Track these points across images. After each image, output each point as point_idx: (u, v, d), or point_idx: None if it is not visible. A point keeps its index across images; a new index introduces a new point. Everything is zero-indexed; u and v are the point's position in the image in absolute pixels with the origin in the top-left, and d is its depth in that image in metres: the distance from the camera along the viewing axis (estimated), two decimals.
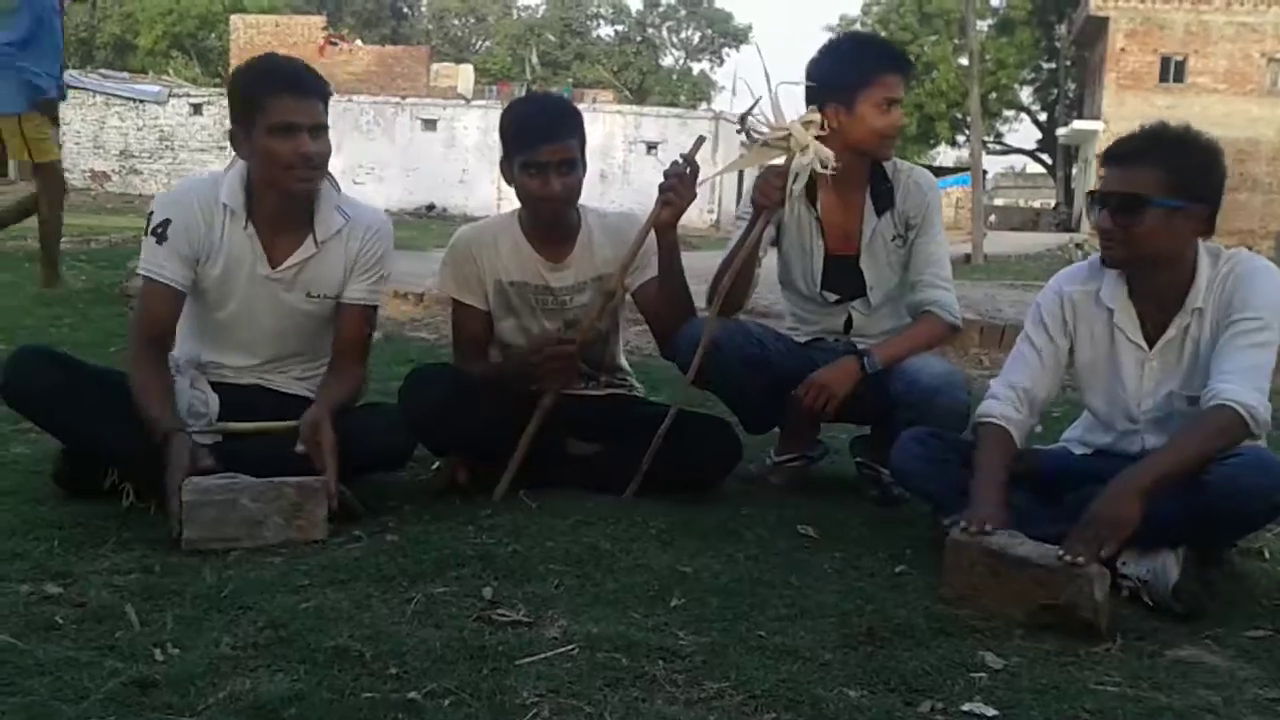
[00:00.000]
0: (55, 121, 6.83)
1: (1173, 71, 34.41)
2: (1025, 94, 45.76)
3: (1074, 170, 39.96)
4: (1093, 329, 2.61)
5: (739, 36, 61.88)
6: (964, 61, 34.34)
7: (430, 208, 29.46)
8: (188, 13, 42.79)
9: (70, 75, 31.52)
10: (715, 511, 2.81)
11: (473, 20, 63.06)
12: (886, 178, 3.07)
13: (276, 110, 2.60)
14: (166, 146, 30.53)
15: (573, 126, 2.85)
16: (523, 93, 36.58)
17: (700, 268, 2.92)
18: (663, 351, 3.15)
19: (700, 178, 2.82)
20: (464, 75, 39.48)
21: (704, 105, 51.75)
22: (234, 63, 34.11)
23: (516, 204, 2.98)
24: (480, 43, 62.44)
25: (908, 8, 43.43)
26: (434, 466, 3.04)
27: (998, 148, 46.67)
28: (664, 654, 1.94)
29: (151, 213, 2.75)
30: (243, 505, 2.42)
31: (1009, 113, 46.28)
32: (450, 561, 2.36)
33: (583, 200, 2.98)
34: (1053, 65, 43.15)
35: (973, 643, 2.07)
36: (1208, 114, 32.92)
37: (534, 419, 2.84)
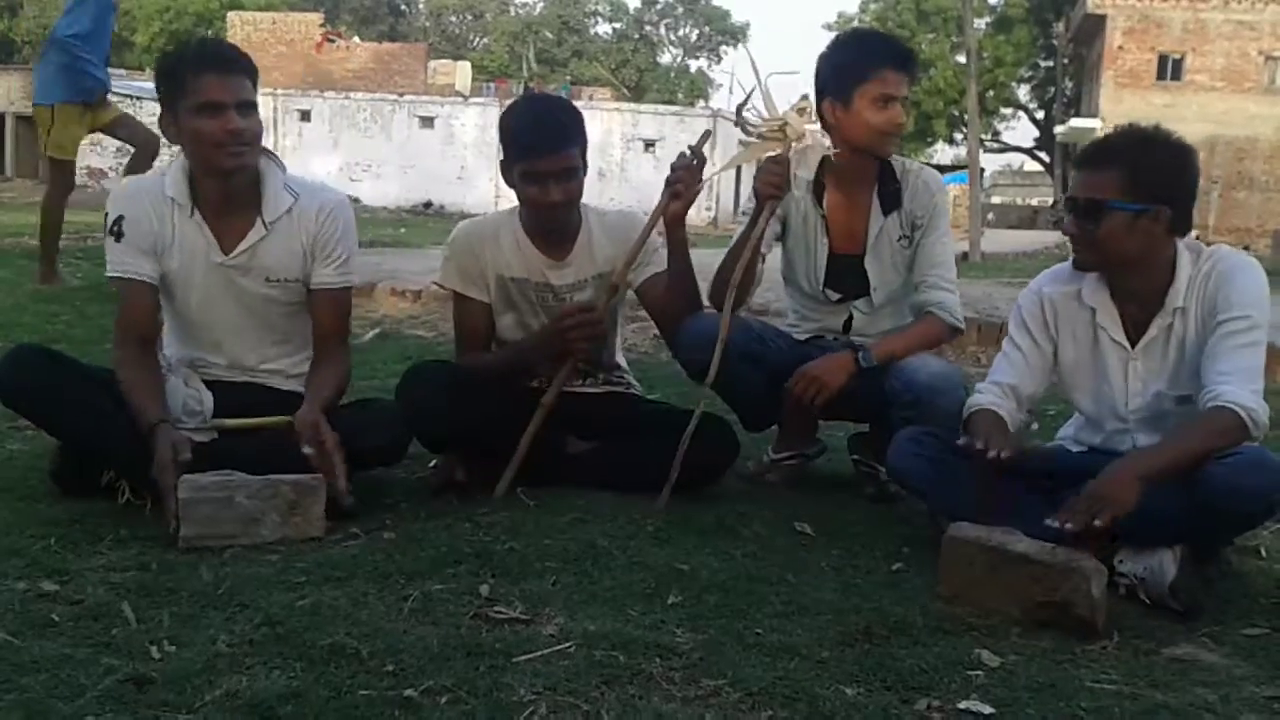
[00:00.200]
0: (107, 105, 6.82)
1: (1170, 69, 34.40)
2: (1023, 92, 45.77)
3: (1071, 168, 39.87)
4: (1075, 330, 2.62)
5: (737, 34, 61.90)
6: (961, 59, 34.34)
7: (428, 205, 29.45)
8: (185, 10, 42.72)
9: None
10: (713, 509, 2.81)
11: (470, 17, 63.04)
12: (895, 177, 3.05)
13: (201, 90, 2.58)
14: (163, 143, 30.48)
15: (574, 135, 2.84)
16: (520, 90, 36.65)
17: (699, 265, 2.92)
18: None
19: (705, 172, 2.82)
20: (461, 72, 39.46)
21: (702, 103, 51.73)
22: None
23: (514, 201, 2.98)
24: (478, 40, 62.42)
25: (905, 5, 43.43)
26: (431, 464, 3.04)
27: (995, 146, 46.65)
28: (661, 651, 1.94)
29: (107, 213, 2.76)
30: (239, 503, 2.42)
31: (1006, 111, 46.27)
32: (447, 559, 2.36)
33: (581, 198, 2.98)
34: (1050, 63, 43.11)
35: (970, 640, 2.08)
36: (1205, 112, 33.02)
37: (536, 416, 2.84)
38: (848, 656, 1.97)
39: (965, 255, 14.62)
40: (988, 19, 41.16)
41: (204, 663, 1.81)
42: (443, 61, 41.05)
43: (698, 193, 2.82)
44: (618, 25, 63.30)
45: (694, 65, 63.78)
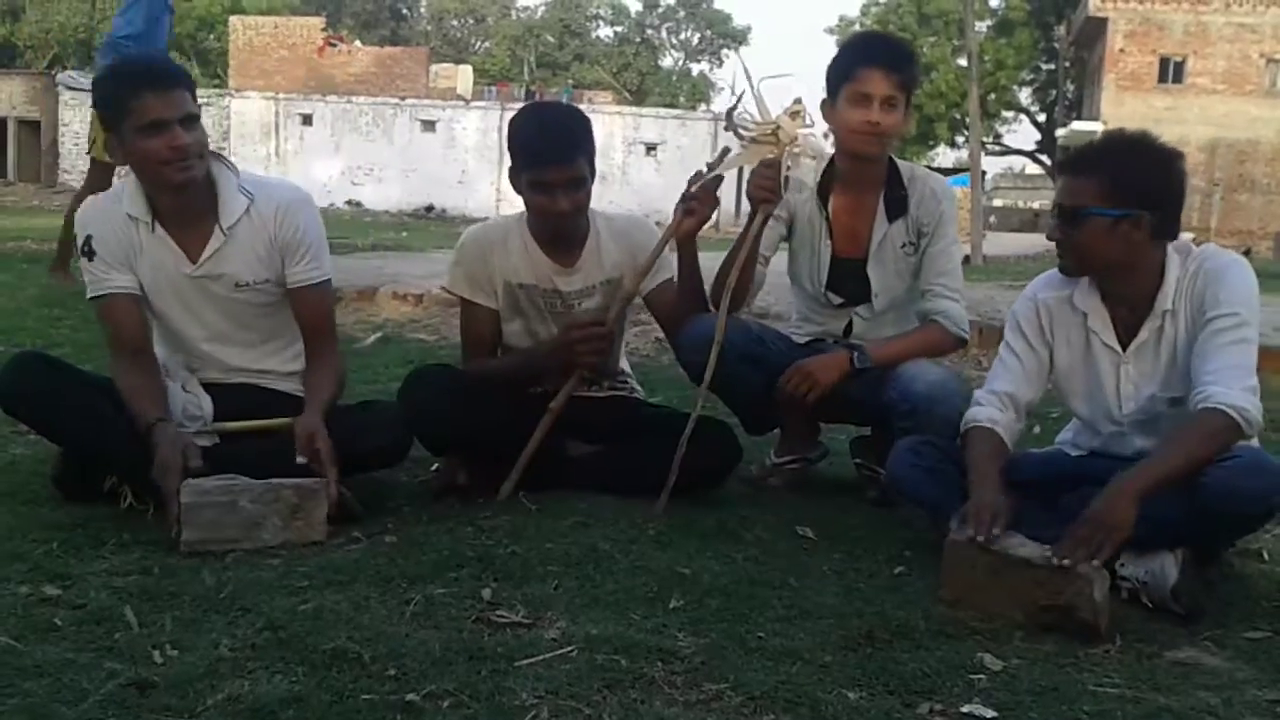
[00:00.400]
0: None
1: (1172, 72, 34.40)
2: (1024, 95, 45.76)
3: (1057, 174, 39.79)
4: (1069, 334, 2.62)
5: (738, 38, 61.89)
6: (963, 62, 34.37)
7: (429, 209, 29.48)
8: (187, 14, 42.75)
9: (69, 76, 31.63)
10: (714, 513, 2.81)
11: (472, 21, 63.07)
12: (902, 184, 3.04)
13: (141, 110, 2.58)
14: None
15: (582, 145, 2.83)
16: (521, 94, 36.66)
17: (703, 267, 2.92)
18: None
19: (702, 181, 2.82)
20: (463, 76, 39.47)
21: (704, 106, 51.77)
22: (234, 64, 34.23)
23: (516, 205, 2.98)
24: (479, 44, 62.45)
25: (906, 9, 43.44)
26: (433, 468, 3.04)
27: (997, 149, 46.64)
28: (663, 655, 1.94)
29: (75, 235, 2.78)
30: (241, 507, 2.42)
31: (1008, 114, 46.27)
32: (449, 563, 2.36)
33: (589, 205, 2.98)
34: (1052, 66, 43.14)
35: (972, 644, 2.07)
36: (1207, 115, 33.03)
37: (542, 422, 2.83)
38: (850, 660, 1.97)
39: (967, 258, 14.61)
40: (989, 22, 41.17)
41: (206, 667, 1.81)
42: (444, 65, 41.05)
43: (713, 210, 2.83)
44: (619, 29, 63.32)
45: (695, 69, 63.83)
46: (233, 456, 2.61)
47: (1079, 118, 38.04)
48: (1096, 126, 31.94)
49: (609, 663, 1.89)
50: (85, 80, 30.39)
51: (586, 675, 1.84)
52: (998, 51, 40.86)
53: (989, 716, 1.78)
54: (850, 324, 3.13)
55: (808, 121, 2.77)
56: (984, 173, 21.04)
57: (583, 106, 23.42)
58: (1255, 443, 2.43)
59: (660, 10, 62.60)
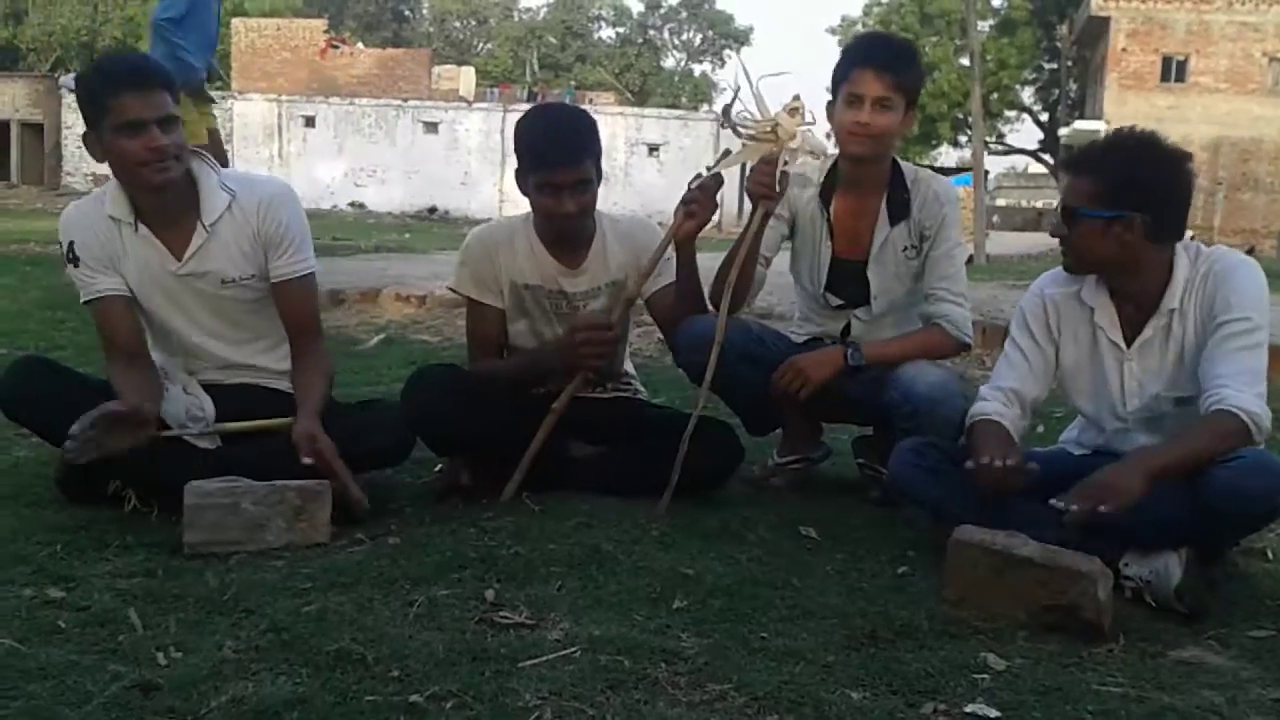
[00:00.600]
0: (209, 100, 6.89)
1: (1174, 71, 34.35)
2: (1027, 94, 45.71)
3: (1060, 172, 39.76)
4: (1076, 330, 2.62)
5: (740, 38, 61.88)
6: (965, 62, 34.33)
7: (432, 210, 29.49)
8: None
9: (72, 78, 31.62)
10: (717, 513, 2.81)
11: (474, 23, 63.09)
12: (905, 187, 3.03)
13: (120, 110, 2.58)
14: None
15: (589, 146, 2.84)
16: (524, 95, 36.67)
17: (704, 268, 2.92)
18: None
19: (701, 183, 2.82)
20: (465, 78, 39.47)
21: (706, 107, 51.73)
22: (236, 67, 34.23)
23: (519, 206, 2.98)
24: (481, 45, 62.46)
25: (908, 9, 43.39)
26: (436, 469, 3.04)
27: (999, 148, 46.59)
28: (666, 656, 1.94)
29: (60, 242, 2.78)
30: (244, 509, 2.43)
31: (1011, 113, 46.21)
32: (452, 564, 2.36)
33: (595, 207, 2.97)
34: (1054, 65, 43.09)
35: (975, 644, 2.07)
36: (1209, 114, 32.98)
37: (545, 423, 2.83)
38: (853, 660, 1.97)
39: (970, 258, 14.60)
40: (991, 22, 41.13)
41: (210, 669, 1.82)
42: (447, 67, 41.04)
43: (713, 213, 2.83)
44: (621, 30, 63.31)
45: (698, 69, 63.81)
46: (235, 458, 2.62)
47: (1082, 117, 38.01)
48: (1099, 126, 31.92)
49: (612, 663, 1.89)
50: None
51: (590, 676, 1.84)
52: (1000, 51, 40.82)
53: (992, 716, 1.78)
54: (848, 326, 3.12)
55: (807, 118, 2.77)
56: (987, 172, 21.00)
57: (585, 108, 23.44)
58: (1262, 445, 2.43)
59: (662, 11, 62.60)
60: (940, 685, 1.88)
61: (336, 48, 35.74)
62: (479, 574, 2.32)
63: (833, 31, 47.51)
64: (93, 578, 2.22)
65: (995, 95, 40.80)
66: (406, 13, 62.56)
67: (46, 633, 1.95)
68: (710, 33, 62.61)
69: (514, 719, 1.70)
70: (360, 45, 40.03)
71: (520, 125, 2.91)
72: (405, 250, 12.35)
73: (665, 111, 34.74)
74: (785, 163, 2.77)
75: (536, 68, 55.66)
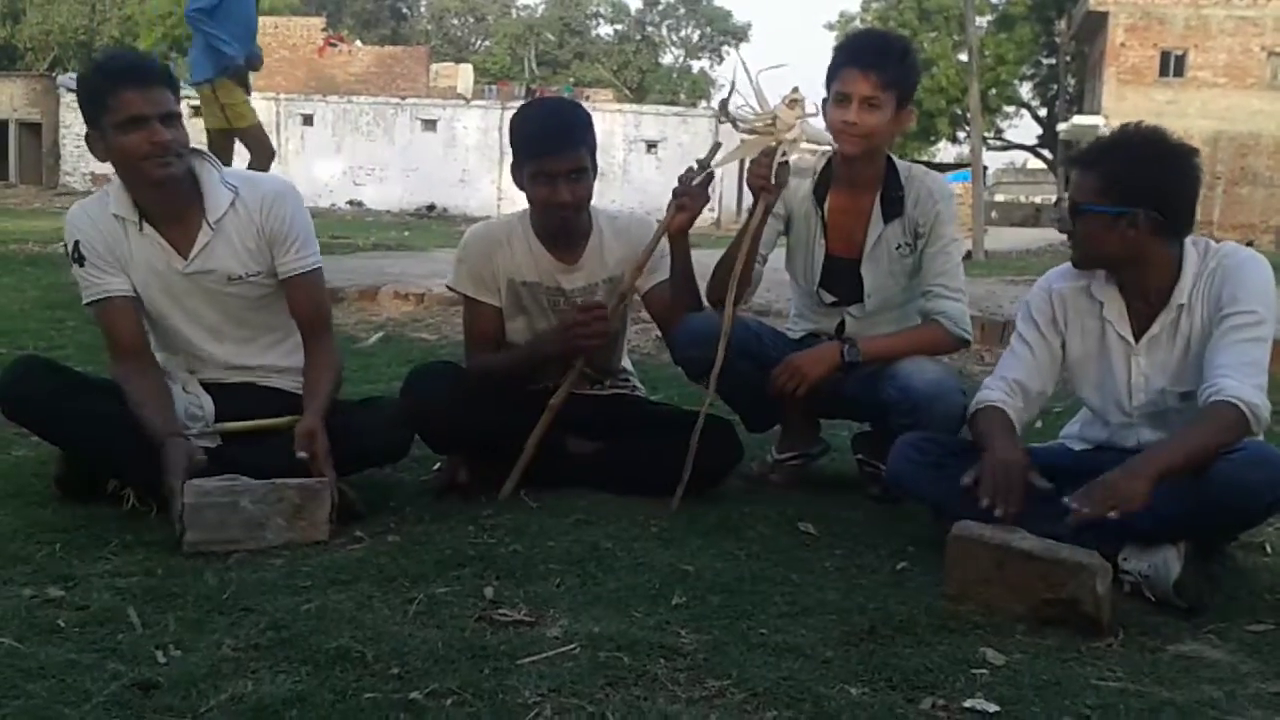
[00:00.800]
0: (248, 89, 6.93)
1: (1173, 66, 34.32)
2: (1025, 90, 45.67)
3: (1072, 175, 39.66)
4: (1084, 323, 2.62)
5: (738, 34, 61.87)
6: (963, 58, 34.28)
7: (431, 208, 29.45)
8: None
9: (70, 77, 31.60)
10: (716, 510, 2.82)
11: (472, 20, 63.07)
12: (899, 184, 3.03)
13: (121, 106, 2.58)
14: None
15: (583, 135, 2.84)
16: (522, 92, 36.66)
17: (701, 264, 2.93)
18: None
19: (693, 177, 2.82)
20: (463, 75, 39.49)
21: (704, 103, 51.70)
22: None
23: (518, 204, 2.98)
24: (479, 42, 62.45)
25: (907, 4, 43.35)
26: (435, 466, 3.04)
27: (998, 144, 46.56)
28: (665, 652, 1.94)
29: (64, 242, 2.78)
30: (244, 507, 2.43)
31: (1009, 108, 46.15)
32: (451, 561, 2.36)
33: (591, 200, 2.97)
34: (1052, 61, 43.05)
35: (974, 639, 2.08)
36: (1208, 108, 32.96)
37: (543, 419, 2.84)
38: (852, 656, 1.97)
39: (969, 254, 14.59)
40: (989, 17, 41.09)
41: (209, 667, 1.82)
42: (445, 64, 41.06)
43: (704, 205, 2.83)
44: (619, 27, 63.29)
45: (696, 66, 63.77)
46: (234, 457, 2.62)
47: (1080, 112, 37.98)
48: (1098, 121, 31.93)
49: (611, 660, 1.90)
50: None
51: (589, 673, 1.84)
52: (998, 46, 40.78)
53: (991, 711, 1.78)
54: (843, 323, 3.12)
55: (808, 109, 2.77)
56: (985, 168, 21.00)
57: (582, 104, 23.43)
58: (1260, 437, 2.43)
59: (660, 7, 62.56)
60: (939, 680, 1.88)
61: (334, 46, 35.73)
62: (478, 571, 2.32)
63: (830, 27, 47.51)
64: (92, 576, 2.22)
65: (994, 91, 40.78)
66: (404, 10, 62.52)
67: (46, 631, 1.95)
68: (708, 29, 62.58)
69: (513, 716, 1.71)
70: (358, 43, 40.04)
71: (515, 118, 2.92)
72: (404, 248, 12.34)
73: (663, 108, 34.68)
74: (784, 155, 2.77)
75: (535, 65, 55.65)
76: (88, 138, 2.68)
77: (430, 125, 31.11)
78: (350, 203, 29.80)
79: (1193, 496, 2.26)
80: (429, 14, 63.55)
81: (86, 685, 1.74)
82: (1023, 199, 49.39)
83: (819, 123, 2.88)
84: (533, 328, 3.02)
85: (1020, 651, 2.03)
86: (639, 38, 62.22)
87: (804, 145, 2.80)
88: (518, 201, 2.94)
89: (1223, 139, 33.09)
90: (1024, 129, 49.26)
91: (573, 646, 1.94)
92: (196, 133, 3.41)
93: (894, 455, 2.65)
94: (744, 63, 2.79)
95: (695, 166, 2.83)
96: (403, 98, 32.07)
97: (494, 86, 40.82)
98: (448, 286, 3.14)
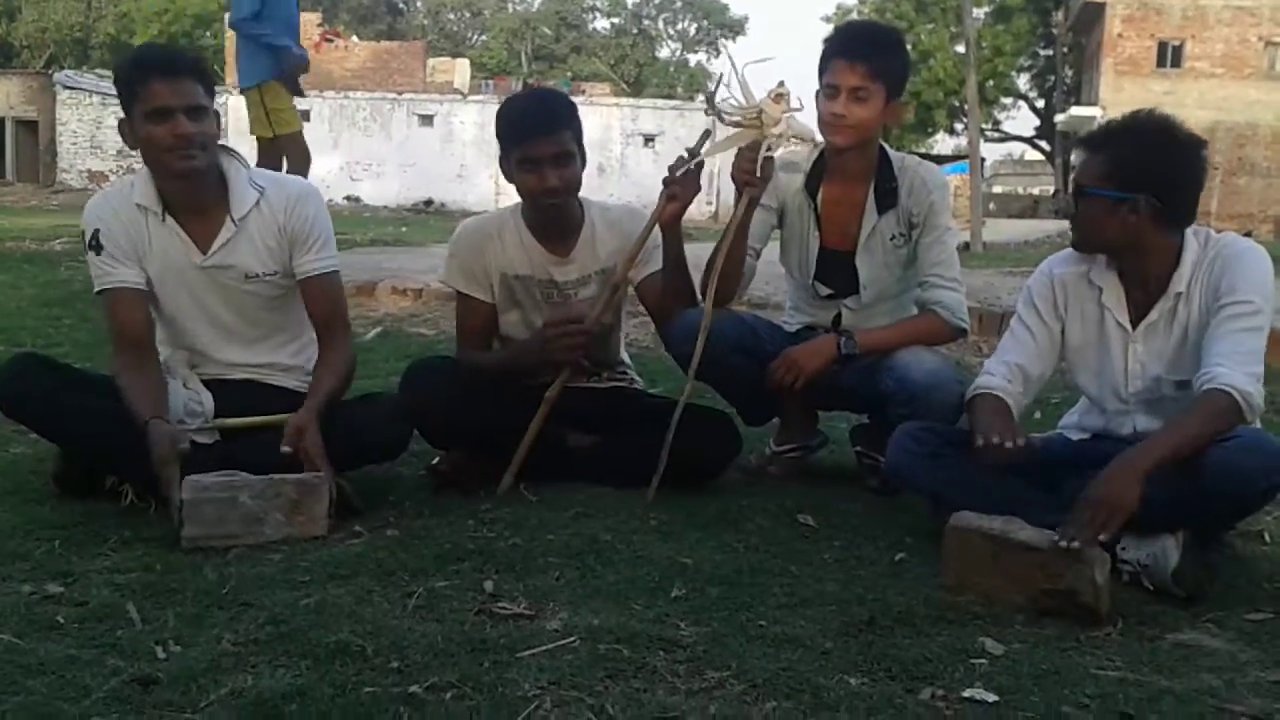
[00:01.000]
0: (300, 92, 6.92)
1: (1170, 56, 34.28)
2: (1023, 81, 45.61)
3: (1072, 157, 39.59)
4: (1084, 309, 2.62)
5: (735, 28, 61.75)
6: (961, 49, 34.29)
7: (428, 203, 29.43)
8: (183, 12, 42.65)
9: (66, 75, 31.59)
10: (715, 502, 2.82)
11: (468, 15, 62.95)
12: (893, 175, 3.02)
13: (150, 96, 2.59)
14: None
15: (565, 119, 2.84)
16: (519, 87, 36.58)
17: (698, 257, 2.92)
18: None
19: (682, 166, 2.82)
20: (460, 70, 39.39)
21: (701, 97, 51.64)
22: (230, 63, 34.15)
23: (514, 198, 2.98)
24: (476, 37, 62.35)
25: None
26: (433, 461, 3.04)
27: (995, 135, 46.48)
28: (665, 644, 1.94)
29: (83, 230, 2.78)
30: (243, 502, 2.43)
31: (1007, 100, 46.08)
32: (450, 555, 2.36)
33: (581, 193, 2.98)
34: (1050, 52, 43.00)
35: (973, 629, 2.08)
36: (1206, 99, 32.91)
37: (539, 412, 2.84)
38: (851, 647, 1.97)
39: (967, 245, 14.55)
40: (986, 8, 41.03)
41: (209, 662, 1.82)
42: (441, 59, 40.97)
43: (695, 194, 2.83)
44: (616, 20, 63.16)
45: (693, 59, 63.65)
46: (233, 453, 2.62)
47: (1078, 103, 37.90)
48: (1095, 112, 31.90)
49: (611, 653, 1.90)
50: (83, 79, 30.40)
51: (589, 665, 1.85)
52: (995, 38, 40.73)
53: (990, 700, 1.78)
54: (839, 315, 3.12)
55: (793, 104, 2.77)
56: (983, 159, 20.99)
57: (580, 99, 23.40)
58: (1256, 424, 2.44)
59: (657, 1, 62.47)
60: (938, 670, 1.89)
61: (331, 41, 35.63)
62: (477, 565, 2.32)
63: (828, 20, 47.36)
64: (91, 573, 2.22)
65: (991, 82, 40.71)
66: (401, 5, 62.40)
67: (45, 628, 1.95)
68: (705, 22, 62.46)
69: (513, 709, 1.71)
70: (354, 38, 39.95)
71: (499, 111, 2.94)
72: (401, 243, 12.32)
73: (660, 102, 34.65)
74: (770, 148, 2.77)
75: (531, 59, 55.58)
76: (120, 125, 2.70)
77: (427, 120, 31.07)
78: (347, 198, 29.77)
79: (1189, 485, 2.26)
80: (425, 9, 63.42)
81: (86, 681, 1.74)
82: (1020, 190, 49.33)
83: (805, 117, 2.88)
84: (527, 320, 3.02)
85: (1019, 641, 2.03)
86: (635, 31, 62.12)
87: (791, 139, 2.79)
88: (514, 196, 2.94)
89: (1220, 129, 33.03)
90: (1021, 120, 49.32)
91: (572, 639, 1.95)
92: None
93: (892, 445, 2.65)
94: (730, 56, 2.79)
95: (685, 155, 2.83)
96: (399, 93, 32.01)
97: (491, 81, 40.75)
98: (441, 280, 3.14)
